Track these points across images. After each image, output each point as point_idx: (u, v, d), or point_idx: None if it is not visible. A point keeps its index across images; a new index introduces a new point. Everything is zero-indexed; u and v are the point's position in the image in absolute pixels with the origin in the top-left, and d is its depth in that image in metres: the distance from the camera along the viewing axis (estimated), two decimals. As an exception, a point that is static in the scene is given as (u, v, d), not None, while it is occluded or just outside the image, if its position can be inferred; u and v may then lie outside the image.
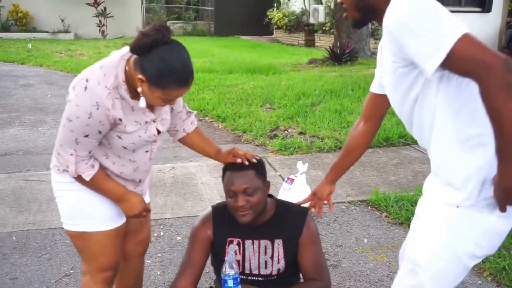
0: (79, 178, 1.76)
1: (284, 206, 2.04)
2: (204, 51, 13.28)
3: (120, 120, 1.70)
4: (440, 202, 1.57)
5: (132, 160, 1.85)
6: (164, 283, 2.76)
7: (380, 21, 1.59)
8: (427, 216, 1.61)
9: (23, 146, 5.18)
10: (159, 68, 1.59)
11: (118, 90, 1.68)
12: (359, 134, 2.03)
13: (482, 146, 1.48)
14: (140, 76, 1.61)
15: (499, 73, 1.30)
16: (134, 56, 1.65)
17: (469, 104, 1.48)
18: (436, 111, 1.51)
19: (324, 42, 14.74)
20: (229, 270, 1.80)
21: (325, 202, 2.22)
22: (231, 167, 1.92)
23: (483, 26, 15.05)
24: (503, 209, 1.46)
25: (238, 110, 6.53)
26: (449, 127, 1.51)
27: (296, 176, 3.72)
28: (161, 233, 3.33)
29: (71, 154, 1.71)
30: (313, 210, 2.20)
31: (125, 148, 1.79)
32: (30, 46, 13.31)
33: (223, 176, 1.95)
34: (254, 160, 1.92)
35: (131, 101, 1.72)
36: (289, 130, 5.74)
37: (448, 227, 1.53)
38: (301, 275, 2.05)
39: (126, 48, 1.71)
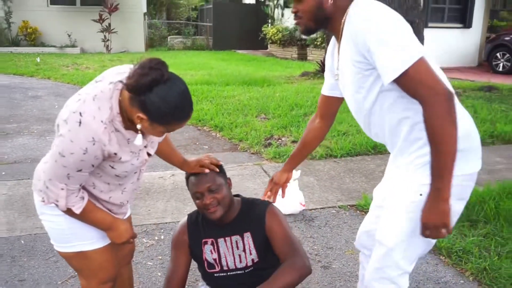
0: (68, 211, 1.65)
1: (248, 202, 2.07)
2: (202, 64, 13.31)
3: (115, 154, 1.60)
4: (404, 192, 1.66)
5: (120, 183, 1.77)
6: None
7: (332, 29, 1.69)
8: (393, 205, 1.71)
9: (31, 155, 5.16)
10: (162, 108, 1.47)
11: (113, 124, 1.55)
12: (315, 129, 2.14)
13: None
14: (140, 114, 1.49)
15: (444, 101, 1.45)
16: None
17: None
18: (399, 106, 1.62)
19: (316, 56, 14.82)
20: None
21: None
22: (192, 175, 1.97)
23: (464, 41, 15.18)
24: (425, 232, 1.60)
25: (235, 120, 6.54)
26: (414, 119, 1.61)
27: (289, 183, 3.71)
28: (162, 237, 3.32)
29: (62, 189, 1.59)
30: (269, 193, 2.24)
31: (117, 176, 1.70)
32: (38, 60, 13.32)
33: (187, 183, 1.98)
34: (220, 163, 2.00)
35: (126, 133, 1.60)
36: (283, 139, 5.74)
37: (413, 213, 1.63)
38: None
39: (120, 68, 1.63)
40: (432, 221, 1.56)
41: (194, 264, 2.11)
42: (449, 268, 2.94)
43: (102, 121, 1.52)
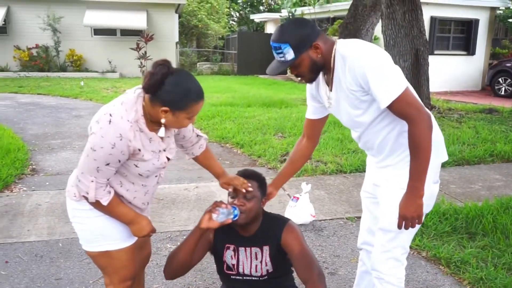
0: (96, 204, 1.71)
1: (269, 217, 2.06)
2: (227, 88, 13.44)
3: (139, 150, 1.67)
4: (401, 184, 1.79)
5: (144, 185, 1.82)
6: (184, 286, 2.76)
7: (327, 70, 1.82)
8: (393, 196, 1.84)
9: (73, 167, 5.22)
10: (178, 93, 1.59)
11: (137, 124, 1.66)
12: (303, 148, 2.20)
13: None
14: (163, 108, 1.60)
15: (426, 119, 1.68)
16: (148, 94, 1.63)
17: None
18: (389, 120, 1.81)
19: (330, 80, 14.76)
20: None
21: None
22: (241, 174, 1.99)
23: (468, 67, 15.01)
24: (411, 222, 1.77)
25: (254, 138, 6.57)
26: (400, 134, 1.83)
27: (301, 195, 3.71)
28: (184, 243, 3.34)
29: (92, 181, 1.65)
30: None
31: (140, 175, 1.76)
32: (82, 83, 13.67)
33: None
34: (250, 189, 1.94)
35: (149, 133, 1.70)
36: (297, 156, 5.72)
37: None
38: (294, 275, 2.08)
39: (139, 87, 1.73)
40: (410, 214, 1.73)
41: (213, 267, 2.11)
42: (448, 277, 2.88)
43: (128, 120, 1.63)
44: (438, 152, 1.88)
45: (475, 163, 5.59)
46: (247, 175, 1.98)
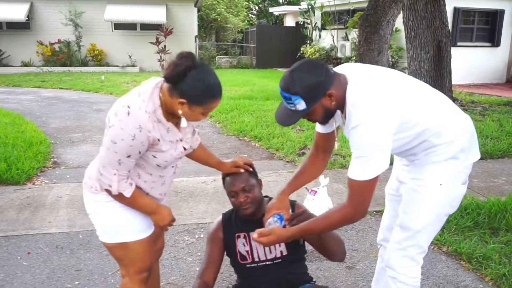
0: (119, 196, 1.72)
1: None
2: (246, 81, 13.42)
3: (158, 140, 1.68)
4: (426, 183, 1.77)
5: (161, 175, 1.83)
6: (202, 278, 2.77)
7: (342, 111, 1.73)
8: (417, 194, 1.80)
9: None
10: (199, 88, 1.57)
11: (155, 114, 1.65)
12: (319, 161, 2.06)
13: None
14: (180, 100, 1.59)
15: (352, 216, 1.70)
16: (167, 84, 1.63)
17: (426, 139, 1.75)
18: (411, 139, 1.77)
19: (350, 73, 14.59)
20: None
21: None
22: (229, 173, 2.02)
23: (492, 60, 14.62)
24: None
25: (272, 131, 6.54)
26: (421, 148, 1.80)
27: (318, 189, 3.68)
28: (201, 235, 3.35)
29: (114, 174, 1.66)
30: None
31: (158, 166, 1.76)
32: (103, 78, 13.84)
33: (223, 183, 2.04)
34: (252, 163, 2.05)
35: (166, 123, 1.70)
36: (316, 149, 5.68)
37: (434, 200, 1.78)
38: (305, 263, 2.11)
39: (156, 78, 1.72)
40: (267, 242, 1.80)
41: (228, 260, 2.13)
42: (469, 273, 2.81)
43: (146, 111, 1.62)
44: (470, 153, 1.81)
45: (499, 157, 5.46)
46: (235, 172, 2.01)
